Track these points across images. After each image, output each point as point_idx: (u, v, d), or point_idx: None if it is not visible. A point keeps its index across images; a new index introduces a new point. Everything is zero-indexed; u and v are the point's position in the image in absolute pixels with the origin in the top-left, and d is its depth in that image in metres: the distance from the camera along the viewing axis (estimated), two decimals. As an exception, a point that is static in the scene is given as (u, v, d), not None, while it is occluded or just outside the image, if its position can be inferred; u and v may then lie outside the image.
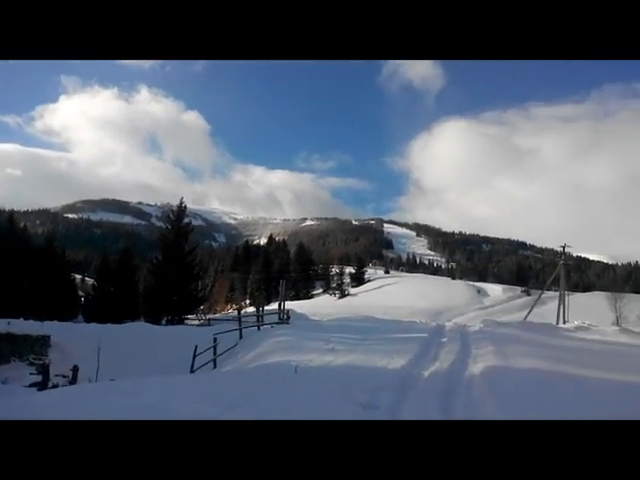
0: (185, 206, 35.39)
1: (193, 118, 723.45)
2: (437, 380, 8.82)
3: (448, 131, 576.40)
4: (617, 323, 31.46)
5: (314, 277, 78.27)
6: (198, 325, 28.82)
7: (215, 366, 15.62)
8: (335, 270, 76.74)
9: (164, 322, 31.24)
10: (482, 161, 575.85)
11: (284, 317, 23.58)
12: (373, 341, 14.84)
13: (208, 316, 34.88)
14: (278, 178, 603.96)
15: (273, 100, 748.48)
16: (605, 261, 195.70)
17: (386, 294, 61.72)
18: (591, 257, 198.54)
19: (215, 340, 16.23)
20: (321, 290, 75.22)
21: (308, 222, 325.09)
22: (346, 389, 7.68)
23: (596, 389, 8.42)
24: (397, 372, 9.57)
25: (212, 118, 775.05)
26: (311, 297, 70.83)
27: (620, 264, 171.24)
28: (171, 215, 35.21)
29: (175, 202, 36.44)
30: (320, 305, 52.57)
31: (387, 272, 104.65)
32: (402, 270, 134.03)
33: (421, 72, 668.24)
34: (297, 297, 66.87)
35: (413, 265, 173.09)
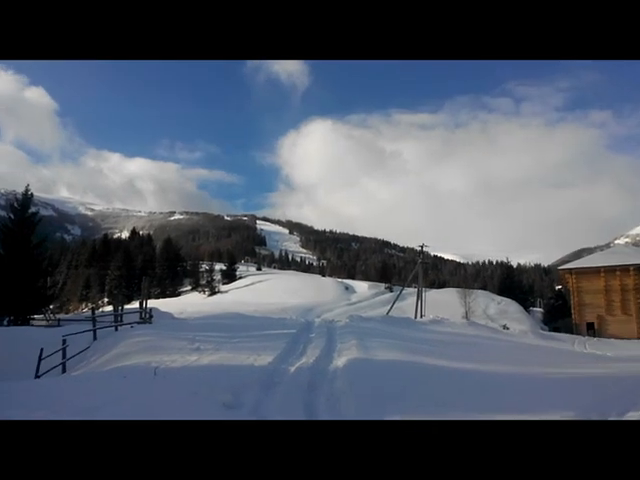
0: (31, 194, 31.53)
1: (37, 95, 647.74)
2: (302, 375, 8.89)
3: (316, 130, 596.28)
4: (466, 316, 34.89)
5: (182, 274, 75.12)
6: (46, 326, 25.94)
7: (64, 370, 14.14)
8: (205, 267, 74.42)
9: (5, 323, 27.57)
10: (349, 162, 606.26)
11: (146, 316, 22.22)
12: (241, 339, 14.59)
13: (58, 316, 31.47)
14: (137, 166, 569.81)
15: (128, 81, 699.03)
16: (458, 260, 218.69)
17: (258, 291, 61.46)
18: (446, 256, 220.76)
19: (64, 342, 14.66)
20: (190, 287, 72.44)
21: (177, 216, 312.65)
22: (209, 389, 7.39)
23: (445, 375, 9.18)
24: (264, 369, 9.46)
25: (59, 96, 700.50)
26: (179, 295, 67.75)
27: (470, 263, 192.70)
28: (15, 204, 31.14)
29: (21, 189, 32.25)
30: (188, 303, 50.52)
31: (259, 269, 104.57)
32: (275, 267, 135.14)
33: (286, 67, 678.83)
34: (163, 295, 63.60)
35: (286, 262, 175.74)
